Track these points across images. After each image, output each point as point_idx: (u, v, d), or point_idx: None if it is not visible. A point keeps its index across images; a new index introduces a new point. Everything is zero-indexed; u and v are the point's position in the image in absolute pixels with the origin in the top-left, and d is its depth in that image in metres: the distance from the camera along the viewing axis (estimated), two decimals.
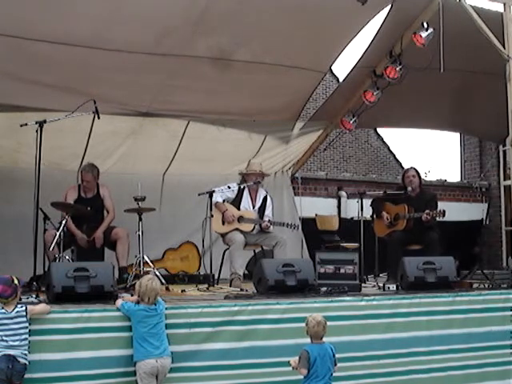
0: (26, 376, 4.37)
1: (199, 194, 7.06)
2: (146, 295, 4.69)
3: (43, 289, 5.31)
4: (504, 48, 6.63)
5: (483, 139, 11.81)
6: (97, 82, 6.94)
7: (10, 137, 7.46)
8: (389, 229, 7.51)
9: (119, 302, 4.83)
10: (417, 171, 7.71)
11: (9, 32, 6.12)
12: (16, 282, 4.45)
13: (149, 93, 7.55)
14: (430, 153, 41.99)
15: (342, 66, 9.21)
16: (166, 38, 6.77)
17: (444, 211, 7.16)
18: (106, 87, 7.02)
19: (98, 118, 6.17)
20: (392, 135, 38.03)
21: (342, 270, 6.38)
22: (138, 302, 4.74)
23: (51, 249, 6.07)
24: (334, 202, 10.64)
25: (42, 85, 6.85)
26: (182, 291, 6.33)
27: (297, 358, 4.58)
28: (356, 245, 7.50)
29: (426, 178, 12.47)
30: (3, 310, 4.36)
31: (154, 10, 6.37)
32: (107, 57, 6.75)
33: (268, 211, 7.37)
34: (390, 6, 6.96)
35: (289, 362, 4.64)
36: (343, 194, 10.66)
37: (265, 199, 7.42)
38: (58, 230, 6.04)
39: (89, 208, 6.73)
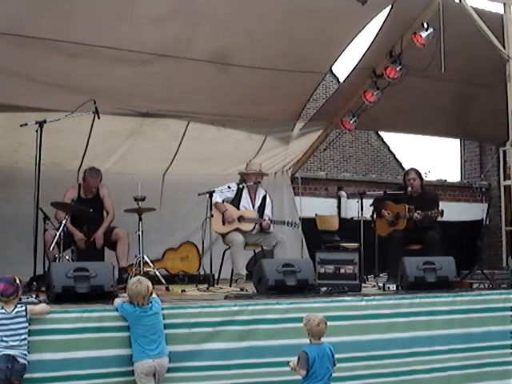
0: (26, 376, 4.37)
1: (199, 194, 7.06)
2: (134, 299, 4.68)
3: (43, 289, 5.32)
4: (504, 48, 6.64)
5: (483, 143, 11.84)
6: (97, 82, 6.93)
7: (9, 137, 7.44)
8: (390, 227, 7.52)
9: (117, 301, 4.83)
10: (418, 173, 7.70)
11: (9, 30, 6.12)
12: (18, 281, 4.47)
13: (149, 93, 7.54)
14: (430, 153, 42.06)
15: (343, 67, 9.22)
16: (166, 39, 6.78)
17: (442, 211, 7.16)
18: (106, 87, 7.02)
19: (98, 118, 6.17)
20: (392, 135, 38.04)
21: (342, 270, 6.38)
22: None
23: (51, 249, 6.06)
24: (334, 202, 10.63)
25: (41, 84, 6.84)
26: (182, 291, 6.33)
27: (296, 359, 4.57)
28: (356, 245, 7.50)
29: (426, 178, 12.45)
30: (3, 310, 4.36)
31: (154, 11, 6.38)
32: (107, 56, 6.75)
33: (267, 210, 7.37)
34: (390, 6, 6.96)
35: (288, 363, 4.63)
36: (343, 194, 10.65)
37: (264, 198, 7.42)
38: (57, 230, 6.03)
39: (91, 210, 6.73)
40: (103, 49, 6.66)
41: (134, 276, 6.10)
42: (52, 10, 6.07)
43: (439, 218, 7.23)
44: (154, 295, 4.82)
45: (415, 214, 7.21)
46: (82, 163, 8.11)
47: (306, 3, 6.66)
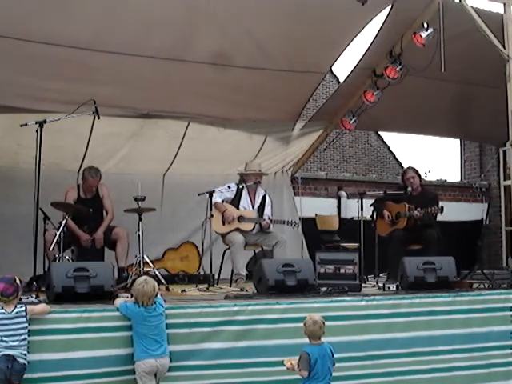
0: (26, 376, 4.37)
1: (199, 194, 7.06)
2: (139, 299, 4.68)
3: (43, 289, 5.32)
4: (504, 48, 6.64)
5: (483, 143, 11.84)
6: (97, 85, 6.93)
7: (10, 137, 7.44)
8: (391, 227, 7.52)
9: (118, 301, 4.83)
10: (416, 171, 7.71)
11: (8, 34, 6.12)
12: (18, 281, 4.47)
13: (149, 95, 7.54)
14: (430, 153, 42.09)
15: (343, 67, 9.22)
16: (166, 41, 6.78)
17: (442, 207, 7.16)
18: (106, 89, 7.01)
19: (98, 117, 6.17)
20: (392, 135, 38.13)
21: (342, 270, 6.39)
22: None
23: (51, 249, 6.06)
24: (334, 202, 10.63)
25: (42, 87, 6.86)
26: (182, 291, 6.33)
27: (292, 358, 4.56)
28: (356, 245, 7.50)
29: (426, 178, 12.48)
30: (3, 310, 4.36)
31: (154, 13, 6.38)
32: (108, 59, 6.76)
33: (267, 210, 7.37)
34: (390, 6, 6.96)
35: (282, 361, 4.63)
36: (343, 194, 10.65)
37: (263, 198, 7.42)
38: (58, 230, 6.03)
39: (90, 210, 6.73)
40: (103, 53, 6.66)
41: (134, 276, 6.14)
42: (52, 14, 6.08)
43: (439, 216, 7.24)
44: (158, 296, 4.82)
45: (415, 212, 7.22)
46: (82, 164, 8.09)
47: (306, 3, 6.65)
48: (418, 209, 7.21)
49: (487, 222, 11.12)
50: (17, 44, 6.22)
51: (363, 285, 6.55)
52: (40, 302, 4.90)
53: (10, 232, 7.59)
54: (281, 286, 5.71)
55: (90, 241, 6.82)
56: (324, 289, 5.83)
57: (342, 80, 10.19)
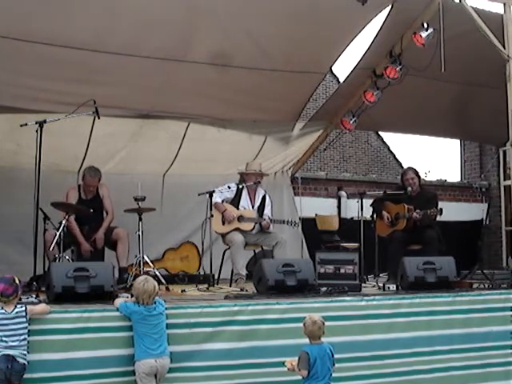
0: (26, 376, 4.37)
1: (199, 194, 7.06)
2: (140, 297, 4.68)
3: (43, 289, 5.32)
4: (504, 48, 6.65)
5: (483, 143, 11.85)
6: (97, 85, 6.93)
7: (10, 138, 7.44)
8: (390, 228, 7.52)
9: (118, 301, 4.83)
10: (416, 172, 7.71)
11: (8, 34, 6.12)
12: (17, 281, 4.47)
13: (149, 96, 7.54)
14: (430, 153, 42.12)
15: (343, 67, 9.22)
16: (166, 41, 6.78)
17: (441, 209, 7.16)
18: (106, 90, 7.01)
19: (98, 118, 6.17)
20: (392, 135, 38.14)
21: (342, 270, 6.39)
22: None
23: (51, 249, 6.06)
24: (334, 202, 10.63)
25: (41, 88, 6.85)
26: (182, 291, 6.33)
27: (293, 359, 4.56)
28: (356, 245, 7.50)
29: (426, 178, 12.48)
30: (3, 310, 4.36)
31: (154, 13, 6.38)
32: (108, 60, 6.75)
33: (267, 210, 7.37)
34: (390, 6, 6.96)
35: (283, 362, 4.63)
36: (343, 194, 10.65)
37: (263, 198, 7.42)
38: (58, 230, 6.03)
39: (91, 210, 6.72)
40: (103, 53, 6.66)
41: (134, 276, 6.13)
42: (52, 14, 6.08)
43: (438, 217, 7.24)
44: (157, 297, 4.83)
45: (414, 214, 7.22)
46: (82, 165, 8.08)
47: (306, 3, 6.66)
48: (418, 210, 7.21)
49: (487, 222, 11.12)
50: (16, 44, 6.21)
51: (363, 285, 6.55)
52: (40, 301, 4.90)
53: (10, 232, 7.58)
54: (281, 285, 5.71)
55: (91, 241, 6.80)
56: (324, 289, 5.84)
57: (342, 80, 10.19)
